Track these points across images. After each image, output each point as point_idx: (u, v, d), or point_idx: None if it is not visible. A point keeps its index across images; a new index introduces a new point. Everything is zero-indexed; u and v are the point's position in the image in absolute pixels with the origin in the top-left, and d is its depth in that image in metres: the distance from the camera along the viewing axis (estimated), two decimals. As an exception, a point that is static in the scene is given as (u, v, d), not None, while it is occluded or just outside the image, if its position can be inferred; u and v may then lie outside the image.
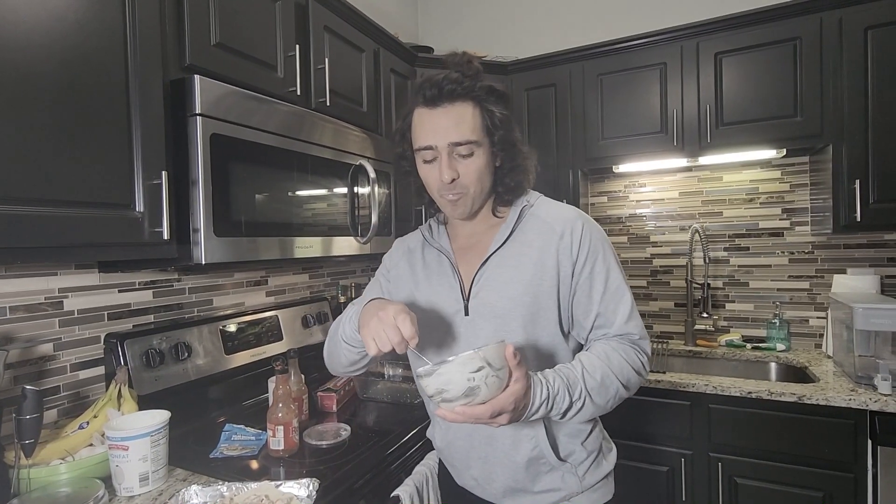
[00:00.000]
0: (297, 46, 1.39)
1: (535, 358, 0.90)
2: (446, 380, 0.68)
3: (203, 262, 1.06)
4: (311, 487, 0.93)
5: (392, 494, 1.09)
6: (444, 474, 1.07)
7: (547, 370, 0.82)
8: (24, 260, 0.84)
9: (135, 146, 0.98)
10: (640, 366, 0.89)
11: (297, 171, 1.35)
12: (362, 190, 1.60)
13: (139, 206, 0.99)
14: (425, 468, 1.19)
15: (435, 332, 0.94)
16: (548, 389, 0.78)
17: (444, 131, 0.86)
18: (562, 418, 0.81)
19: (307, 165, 1.38)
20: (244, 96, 1.17)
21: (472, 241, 0.98)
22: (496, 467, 0.92)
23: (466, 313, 0.92)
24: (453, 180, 0.87)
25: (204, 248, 1.07)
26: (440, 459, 1.08)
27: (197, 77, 1.06)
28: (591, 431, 0.95)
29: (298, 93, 1.39)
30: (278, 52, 1.35)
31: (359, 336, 0.87)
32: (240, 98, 1.16)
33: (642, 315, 2.31)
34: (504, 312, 0.89)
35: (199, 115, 1.06)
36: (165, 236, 1.01)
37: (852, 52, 1.70)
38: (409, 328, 0.76)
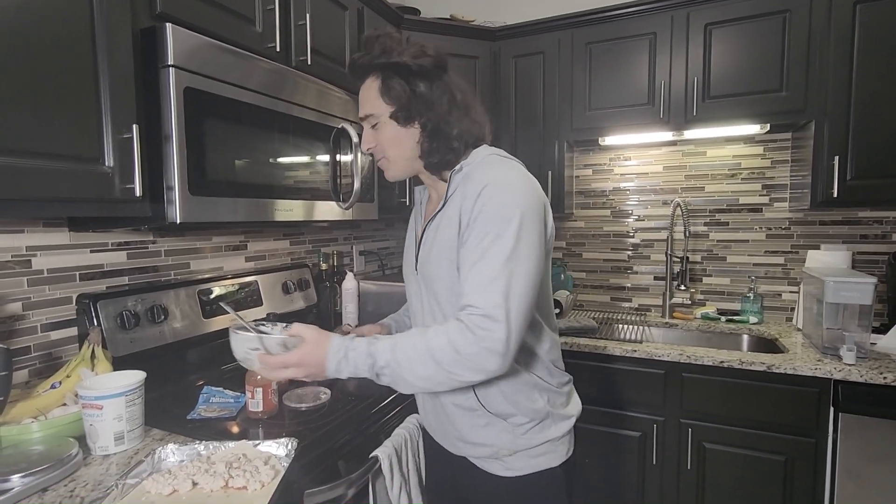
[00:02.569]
0: (276, 0, 1.33)
1: (448, 315, 0.95)
2: (233, 346, 0.92)
3: (178, 222, 1.03)
4: (289, 447, 0.93)
5: (371, 455, 1.10)
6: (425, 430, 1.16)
7: (362, 339, 0.89)
8: (-14, 213, 0.81)
9: (102, 97, 0.94)
10: (465, 343, 0.80)
11: (278, 131, 1.30)
12: (345, 157, 1.56)
13: (108, 161, 0.95)
14: (405, 430, 1.21)
15: (407, 286, 1.09)
16: (344, 350, 0.86)
17: (361, 105, 0.98)
18: (377, 377, 0.87)
19: (288, 126, 1.34)
20: (221, 49, 1.12)
21: (433, 202, 1.06)
22: (442, 415, 1.01)
23: (416, 270, 1.02)
24: (369, 148, 0.98)
25: (179, 206, 1.03)
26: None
27: (169, 25, 1.00)
28: (539, 395, 0.96)
29: (278, 49, 1.34)
30: (256, 5, 1.29)
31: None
32: (216, 51, 1.11)
33: (621, 288, 2.40)
34: (437, 272, 0.95)
35: (172, 66, 1.01)
36: (137, 193, 0.98)
37: (840, 26, 1.69)
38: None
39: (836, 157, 1.72)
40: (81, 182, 0.91)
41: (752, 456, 1.63)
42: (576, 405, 1.04)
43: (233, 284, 1.56)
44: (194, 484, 0.83)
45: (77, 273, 1.23)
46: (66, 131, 0.88)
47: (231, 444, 0.94)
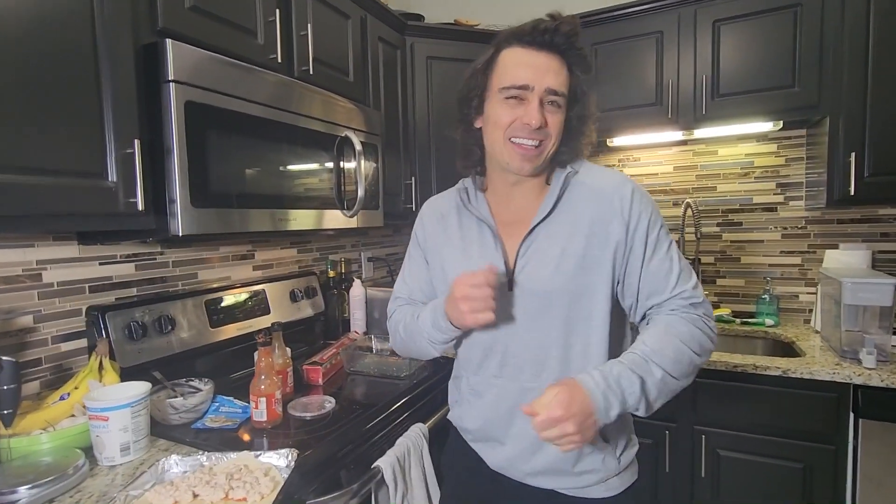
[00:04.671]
0: (278, 11, 1.34)
1: (574, 333, 0.87)
2: None
3: (180, 234, 1.05)
4: (289, 458, 0.94)
5: (373, 465, 1.10)
6: (462, 455, 1.02)
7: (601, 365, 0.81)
8: (-8, 230, 0.83)
9: (105, 113, 0.96)
10: (710, 330, 0.86)
11: (280, 141, 1.31)
12: (348, 163, 1.57)
13: (112, 176, 0.97)
14: (408, 440, 1.20)
15: None
16: (601, 375, 0.76)
17: (545, 74, 0.83)
18: (646, 400, 0.78)
19: (291, 136, 1.35)
20: (221, 62, 1.14)
21: (512, 210, 0.93)
22: (539, 448, 0.89)
23: (510, 288, 0.89)
24: (541, 126, 0.83)
25: (181, 219, 1.05)
26: (457, 440, 1.05)
27: (169, 41, 1.02)
28: (627, 415, 0.93)
29: (280, 60, 1.35)
30: (258, 17, 1.30)
31: (454, 328, 0.87)
32: (216, 64, 1.12)
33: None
34: (553, 288, 0.86)
35: (173, 81, 1.02)
36: (140, 207, 0.99)
37: (854, 18, 1.64)
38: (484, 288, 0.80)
39: (853, 154, 1.67)
40: (86, 197, 0.93)
41: (769, 463, 1.58)
42: None
43: (240, 293, 1.58)
44: (195, 495, 0.83)
45: (86, 285, 1.25)
46: (71, 148, 0.90)
47: (233, 455, 0.95)
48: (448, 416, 1.07)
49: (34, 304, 1.15)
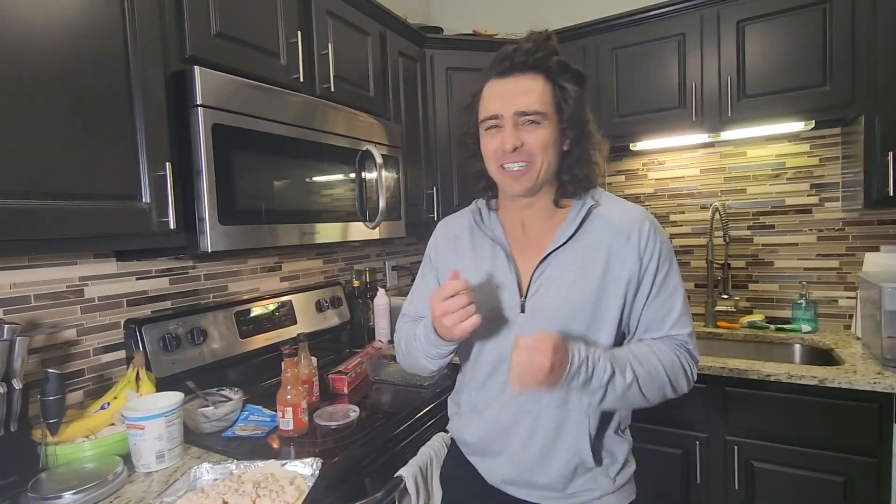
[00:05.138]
0: (300, 33, 1.39)
1: None
2: None
3: (209, 251, 1.10)
4: (314, 466, 0.96)
5: (395, 475, 1.11)
6: (461, 467, 1.02)
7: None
8: (38, 252, 0.90)
9: (139, 139, 1.01)
10: (690, 368, 0.89)
11: (303, 158, 1.36)
12: (369, 175, 1.61)
13: (146, 198, 1.02)
14: (430, 450, 1.22)
15: (487, 327, 0.89)
16: (586, 351, 0.79)
17: (511, 99, 0.85)
18: (603, 396, 0.81)
19: (313, 153, 1.39)
20: (245, 86, 1.19)
21: (527, 232, 0.94)
22: (532, 466, 0.90)
23: (522, 310, 0.89)
24: (516, 149, 0.85)
25: (210, 236, 1.10)
26: (455, 452, 1.05)
27: (197, 68, 1.07)
28: (622, 433, 0.95)
29: (302, 80, 1.40)
30: (280, 40, 1.35)
31: (446, 342, 0.87)
32: (240, 87, 1.17)
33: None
34: (565, 314, 0.87)
35: (200, 106, 1.08)
36: (171, 226, 1.05)
37: (888, 12, 1.58)
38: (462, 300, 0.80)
39: (890, 153, 1.60)
40: (122, 218, 0.99)
41: (807, 476, 1.52)
42: None
43: (268, 304, 1.63)
44: (224, 503, 0.87)
45: (124, 299, 1.32)
46: (108, 172, 0.96)
47: (261, 463, 0.98)
48: (447, 427, 1.08)
49: (77, 318, 1.22)
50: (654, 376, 0.83)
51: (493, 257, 0.94)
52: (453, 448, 1.07)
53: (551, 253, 0.89)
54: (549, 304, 0.88)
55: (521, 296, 0.90)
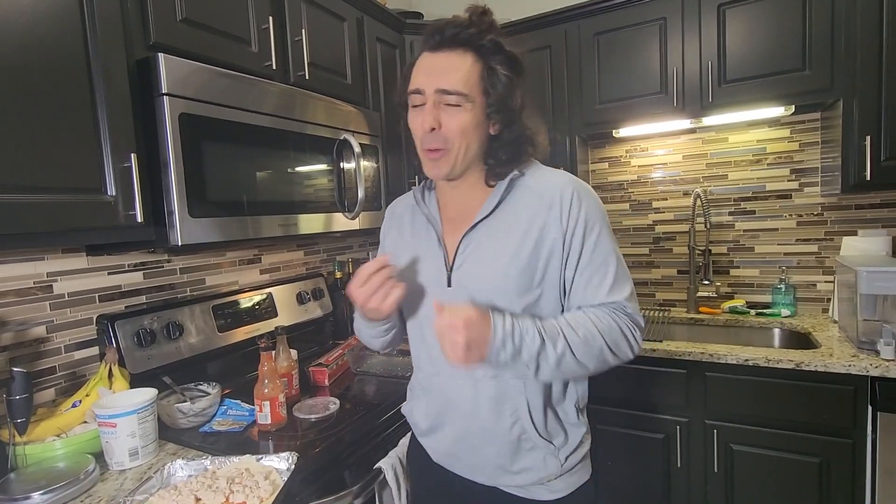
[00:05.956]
0: (271, 18, 1.35)
1: None
2: None
3: (179, 244, 1.07)
4: (290, 461, 0.95)
5: (375, 466, 1.11)
6: (415, 450, 1.04)
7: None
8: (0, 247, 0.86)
9: (101, 130, 0.98)
10: (630, 333, 0.86)
11: (277, 148, 1.33)
12: (348, 165, 1.58)
13: (111, 190, 0.99)
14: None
15: (418, 302, 0.93)
16: (511, 322, 0.77)
17: (435, 75, 0.82)
18: (537, 369, 0.79)
19: (287, 142, 1.36)
20: (214, 73, 1.15)
21: (460, 210, 0.93)
22: (476, 441, 0.90)
23: (449, 284, 0.89)
24: (433, 129, 0.82)
25: (179, 229, 1.07)
26: (412, 435, 1.06)
27: (161, 56, 1.04)
28: (577, 413, 0.93)
29: (275, 67, 1.36)
30: (251, 26, 1.31)
31: (375, 322, 0.94)
32: (209, 75, 1.14)
33: (644, 283, 2.32)
34: (491, 286, 0.86)
35: (166, 94, 1.04)
36: (139, 219, 1.02)
37: (866, -3, 1.58)
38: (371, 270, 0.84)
39: (868, 137, 1.60)
40: (86, 212, 0.96)
41: (784, 458, 1.55)
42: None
43: (247, 297, 1.61)
44: (197, 500, 0.85)
45: (96, 295, 1.29)
46: (69, 165, 0.93)
47: (236, 458, 0.97)
48: (402, 410, 1.08)
49: (46, 314, 1.19)
50: (589, 343, 0.80)
51: (427, 234, 0.95)
52: (412, 433, 1.07)
53: (475, 226, 0.88)
54: (474, 277, 0.87)
55: (447, 270, 0.90)
